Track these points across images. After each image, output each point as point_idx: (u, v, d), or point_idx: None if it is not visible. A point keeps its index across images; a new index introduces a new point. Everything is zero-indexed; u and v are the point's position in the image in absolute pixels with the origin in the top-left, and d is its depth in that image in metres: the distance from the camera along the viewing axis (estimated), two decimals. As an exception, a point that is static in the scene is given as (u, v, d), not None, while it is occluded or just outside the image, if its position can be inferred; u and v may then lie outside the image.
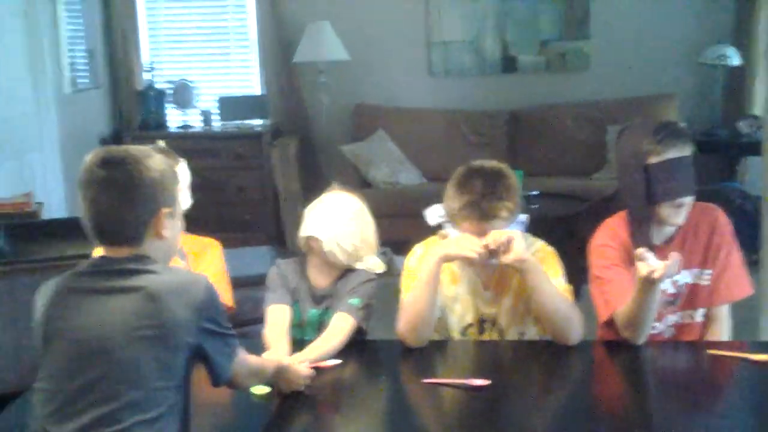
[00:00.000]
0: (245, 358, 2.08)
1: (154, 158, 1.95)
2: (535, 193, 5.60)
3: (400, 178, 6.75)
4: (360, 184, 6.70)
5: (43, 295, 1.92)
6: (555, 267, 2.75)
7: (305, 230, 2.80)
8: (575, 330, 2.65)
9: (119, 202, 1.90)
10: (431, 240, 2.84)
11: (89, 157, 1.94)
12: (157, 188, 1.93)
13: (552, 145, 6.91)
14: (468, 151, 6.77)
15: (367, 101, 7.19)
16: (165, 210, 1.94)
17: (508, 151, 6.96)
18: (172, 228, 1.98)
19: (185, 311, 1.84)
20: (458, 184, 2.69)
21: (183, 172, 2.85)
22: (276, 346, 2.57)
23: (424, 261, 2.70)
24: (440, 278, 2.70)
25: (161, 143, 2.95)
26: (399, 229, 5.71)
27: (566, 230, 4.71)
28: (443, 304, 2.78)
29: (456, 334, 2.80)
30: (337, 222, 2.78)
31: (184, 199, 2.82)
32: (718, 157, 6.79)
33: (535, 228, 2.88)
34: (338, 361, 2.53)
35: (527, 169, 6.05)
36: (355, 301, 2.72)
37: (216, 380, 1.98)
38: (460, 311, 2.79)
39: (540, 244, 2.80)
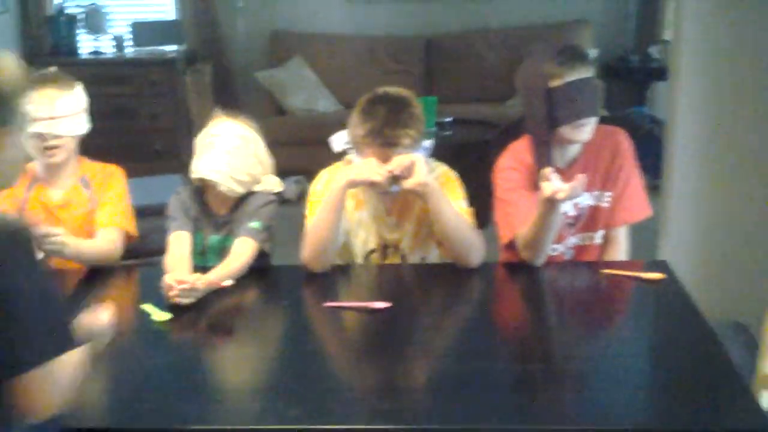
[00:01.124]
0: None
1: None
2: (449, 119, 5.62)
3: (317, 105, 6.71)
4: (276, 111, 6.66)
5: None
6: (456, 191, 2.78)
7: (197, 171, 2.74)
8: (476, 252, 2.69)
9: None
10: (336, 166, 2.85)
11: None
12: None
13: (467, 72, 6.93)
14: (385, 77, 6.74)
15: (283, 27, 7.10)
16: None
17: (424, 77, 6.96)
18: (8, 149, 1.66)
19: None
20: (362, 111, 2.69)
21: (79, 95, 2.83)
22: (175, 271, 2.56)
23: (329, 187, 2.71)
24: (345, 204, 2.72)
25: (52, 69, 2.90)
26: (315, 156, 5.65)
27: (479, 156, 4.75)
28: (347, 229, 2.79)
29: (359, 259, 2.83)
30: (227, 156, 2.73)
31: (80, 124, 2.79)
32: (629, 83, 6.88)
33: (450, 154, 2.89)
34: (231, 282, 2.53)
35: (443, 95, 6.07)
36: (255, 224, 2.72)
37: None
38: (364, 236, 2.82)
39: (442, 169, 2.83)
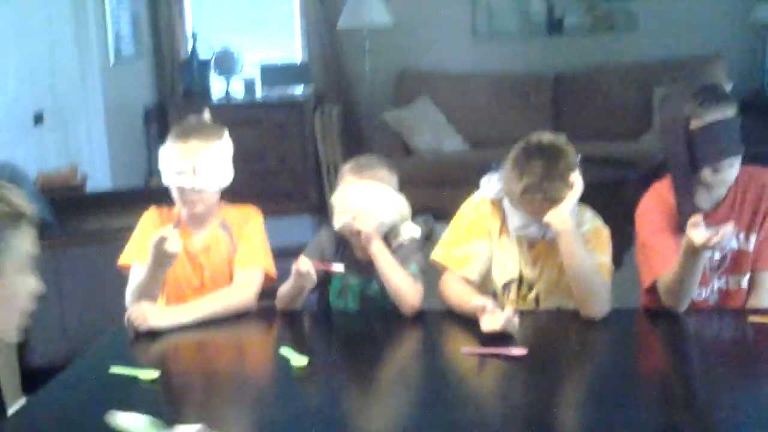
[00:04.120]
0: None
1: None
2: (578, 158, 5.53)
3: (443, 144, 6.71)
4: (403, 150, 6.68)
5: None
6: (603, 246, 2.73)
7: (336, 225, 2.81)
8: (600, 305, 2.62)
9: None
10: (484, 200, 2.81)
11: None
12: None
13: (597, 109, 6.84)
14: (512, 116, 6.75)
15: (410, 67, 7.15)
16: None
17: (552, 115, 6.90)
18: None
19: None
20: (517, 165, 2.63)
21: (224, 146, 2.82)
22: None
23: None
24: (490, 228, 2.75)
25: (207, 114, 2.93)
26: (441, 196, 5.73)
27: (612, 196, 4.67)
28: (492, 255, 2.78)
29: (498, 288, 2.79)
30: (361, 211, 2.76)
31: (223, 176, 2.81)
32: (766, 118, 6.67)
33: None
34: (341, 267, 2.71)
35: (572, 133, 5.92)
36: (413, 268, 2.75)
37: None
38: (506, 263, 2.78)
39: (595, 224, 2.77)
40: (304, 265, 2.66)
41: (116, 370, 2.32)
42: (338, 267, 2.71)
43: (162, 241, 2.61)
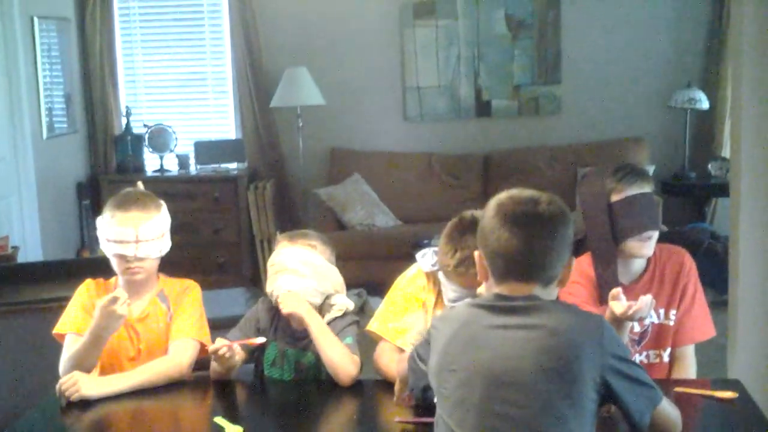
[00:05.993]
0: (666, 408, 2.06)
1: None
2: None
3: (375, 220, 6.80)
4: (335, 226, 6.74)
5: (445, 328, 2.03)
6: None
7: (270, 296, 2.85)
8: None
9: (554, 240, 1.99)
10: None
11: (505, 196, 2.12)
12: (571, 234, 2.01)
13: (524, 187, 6.95)
14: (442, 193, 6.88)
15: (342, 145, 7.25)
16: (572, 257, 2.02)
17: (481, 193, 7.01)
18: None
19: (589, 347, 1.88)
20: (451, 240, 2.70)
21: (162, 218, 2.87)
22: None
23: None
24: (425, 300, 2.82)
25: (140, 185, 2.97)
26: (374, 270, 5.80)
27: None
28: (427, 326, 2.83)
29: None
30: (294, 281, 2.81)
31: (162, 246, 2.85)
32: (687, 199, 6.89)
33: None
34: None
35: (501, 211, 6.10)
36: (348, 340, 2.79)
37: (630, 423, 1.99)
38: None
39: None
40: (215, 347, 2.70)
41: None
42: (259, 339, 2.78)
43: (113, 301, 2.63)
